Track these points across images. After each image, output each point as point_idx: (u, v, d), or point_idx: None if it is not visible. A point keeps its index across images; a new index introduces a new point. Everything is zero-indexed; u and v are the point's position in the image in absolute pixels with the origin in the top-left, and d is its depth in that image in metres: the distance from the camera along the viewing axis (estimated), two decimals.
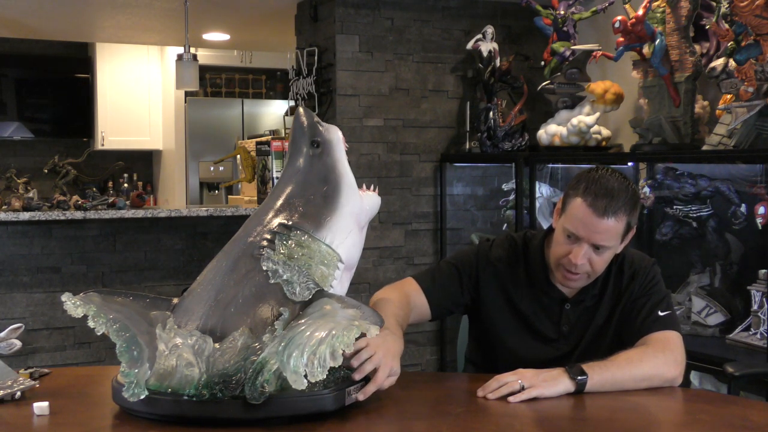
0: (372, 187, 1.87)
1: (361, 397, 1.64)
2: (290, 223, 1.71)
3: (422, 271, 2.16)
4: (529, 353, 2.04)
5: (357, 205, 1.78)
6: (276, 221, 1.72)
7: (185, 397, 1.53)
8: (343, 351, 1.48)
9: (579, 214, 1.90)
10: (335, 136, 1.80)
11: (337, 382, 1.62)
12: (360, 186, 1.83)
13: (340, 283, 1.73)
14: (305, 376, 1.46)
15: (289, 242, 1.68)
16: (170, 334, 1.59)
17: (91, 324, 1.57)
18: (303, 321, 1.57)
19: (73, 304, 1.60)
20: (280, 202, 1.75)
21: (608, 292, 2.04)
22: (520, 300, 2.07)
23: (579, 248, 1.91)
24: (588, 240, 1.90)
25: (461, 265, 2.11)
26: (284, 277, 1.64)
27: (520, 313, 2.07)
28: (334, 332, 1.49)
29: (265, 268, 1.64)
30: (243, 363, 1.53)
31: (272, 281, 1.64)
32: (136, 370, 1.52)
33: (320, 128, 1.80)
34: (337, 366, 1.49)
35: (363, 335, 1.55)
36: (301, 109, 1.82)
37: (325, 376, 1.47)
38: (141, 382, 1.52)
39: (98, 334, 1.58)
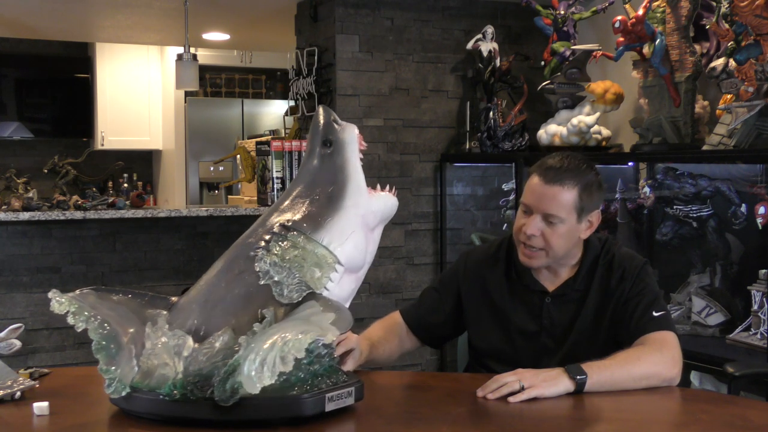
0: (387, 187, 1.82)
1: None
2: (289, 223, 1.69)
3: (408, 304, 2.26)
4: (514, 349, 2.05)
5: (363, 206, 1.74)
6: (277, 221, 1.71)
7: (161, 396, 1.54)
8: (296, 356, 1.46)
9: (531, 185, 2.01)
10: (349, 135, 1.79)
11: (318, 386, 1.58)
12: (374, 186, 1.80)
13: (338, 286, 1.70)
14: (259, 381, 1.44)
15: (284, 243, 1.66)
16: (157, 333, 1.60)
17: (70, 320, 1.59)
18: (275, 324, 1.56)
19: (57, 301, 1.61)
20: (287, 202, 1.75)
21: (594, 288, 2.03)
22: (499, 296, 2.10)
23: (531, 219, 1.98)
24: (537, 208, 1.98)
25: (441, 285, 2.21)
26: (275, 278, 1.62)
27: (499, 309, 2.09)
28: (289, 336, 1.47)
29: (257, 268, 1.63)
30: (219, 364, 1.53)
31: (262, 282, 1.62)
32: (113, 367, 1.55)
33: (336, 127, 1.79)
34: (287, 371, 1.47)
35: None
36: (320, 108, 1.81)
37: (273, 381, 1.45)
38: (124, 379, 1.54)
39: (78, 330, 1.59)
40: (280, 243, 1.66)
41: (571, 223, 1.99)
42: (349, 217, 1.72)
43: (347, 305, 1.74)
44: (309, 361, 1.60)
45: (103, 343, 1.57)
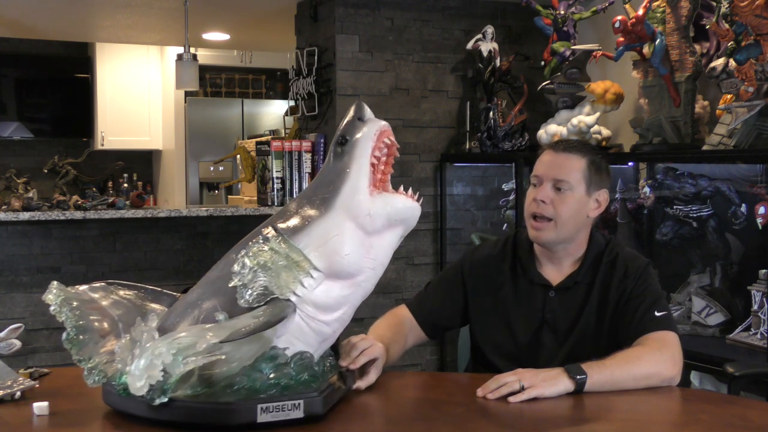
0: (402, 188, 1.71)
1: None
2: (278, 225, 1.65)
3: (413, 297, 2.24)
4: (516, 344, 2.07)
5: (357, 208, 1.64)
6: (272, 224, 1.68)
7: (115, 390, 1.58)
8: None
9: (541, 159, 2.09)
10: (364, 133, 1.69)
11: (265, 395, 1.54)
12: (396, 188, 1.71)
13: (315, 293, 1.61)
14: (132, 382, 1.48)
15: (264, 246, 1.61)
16: (137, 329, 1.62)
17: (52, 310, 1.67)
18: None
19: (50, 291, 1.69)
20: (292, 204, 1.72)
21: (597, 285, 2.05)
22: (503, 291, 2.11)
23: (541, 188, 2.05)
24: (547, 176, 2.04)
25: (446, 281, 2.21)
26: (243, 281, 1.59)
27: (503, 304, 2.11)
28: (167, 341, 1.49)
29: (233, 271, 1.62)
30: None
31: (231, 285, 1.60)
32: (82, 358, 1.59)
33: (357, 124, 1.70)
34: (154, 376, 1.48)
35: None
36: (354, 105, 1.75)
37: (139, 384, 1.47)
38: (104, 370, 1.59)
39: (60, 321, 1.67)
40: (260, 246, 1.62)
41: (580, 194, 2.03)
42: (334, 220, 1.63)
43: (339, 313, 1.65)
44: (271, 369, 1.56)
45: (72, 334, 1.63)
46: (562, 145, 2.09)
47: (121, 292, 1.77)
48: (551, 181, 2.04)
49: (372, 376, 1.81)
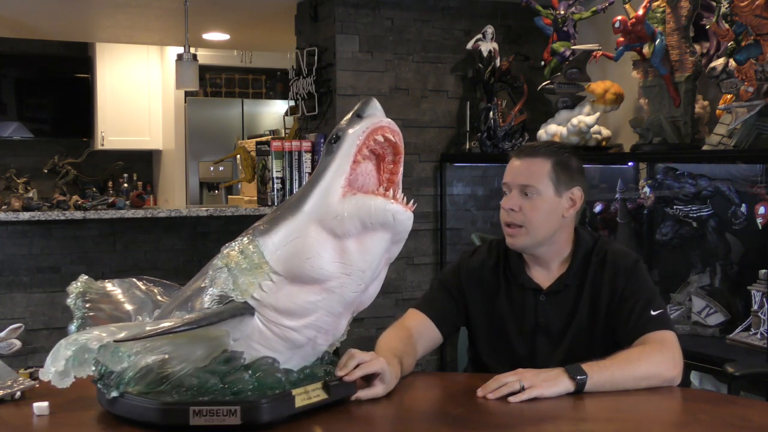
0: (381, 188, 1.63)
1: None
2: (256, 226, 1.62)
3: (420, 299, 2.20)
4: (511, 348, 2.06)
5: (325, 210, 1.53)
6: (255, 224, 1.65)
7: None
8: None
9: (508, 166, 2.09)
10: (354, 130, 1.62)
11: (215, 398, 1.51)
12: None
13: (274, 296, 1.53)
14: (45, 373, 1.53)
15: (236, 248, 1.56)
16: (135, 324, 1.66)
17: (68, 301, 1.76)
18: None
19: (76, 284, 1.76)
20: (280, 204, 1.73)
21: (587, 285, 2.04)
22: (496, 296, 2.11)
23: (510, 196, 2.05)
24: (513, 183, 2.05)
25: (448, 281, 2.19)
26: (210, 281, 1.57)
27: (497, 309, 2.10)
28: (69, 337, 1.54)
29: (206, 271, 1.61)
30: None
31: (202, 285, 1.61)
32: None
33: (353, 120, 1.64)
34: (58, 369, 1.51)
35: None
36: (361, 101, 1.70)
37: (45, 378, 1.52)
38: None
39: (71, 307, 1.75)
40: (232, 247, 1.57)
41: (549, 196, 2.02)
42: (298, 222, 1.54)
43: (309, 319, 1.56)
44: (223, 372, 1.53)
45: (77, 326, 1.70)
46: (525, 151, 2.07)
47: (144, 288, 1.81)
48: (518, 188, 2.03)
49: (378, 389, 1.72)
